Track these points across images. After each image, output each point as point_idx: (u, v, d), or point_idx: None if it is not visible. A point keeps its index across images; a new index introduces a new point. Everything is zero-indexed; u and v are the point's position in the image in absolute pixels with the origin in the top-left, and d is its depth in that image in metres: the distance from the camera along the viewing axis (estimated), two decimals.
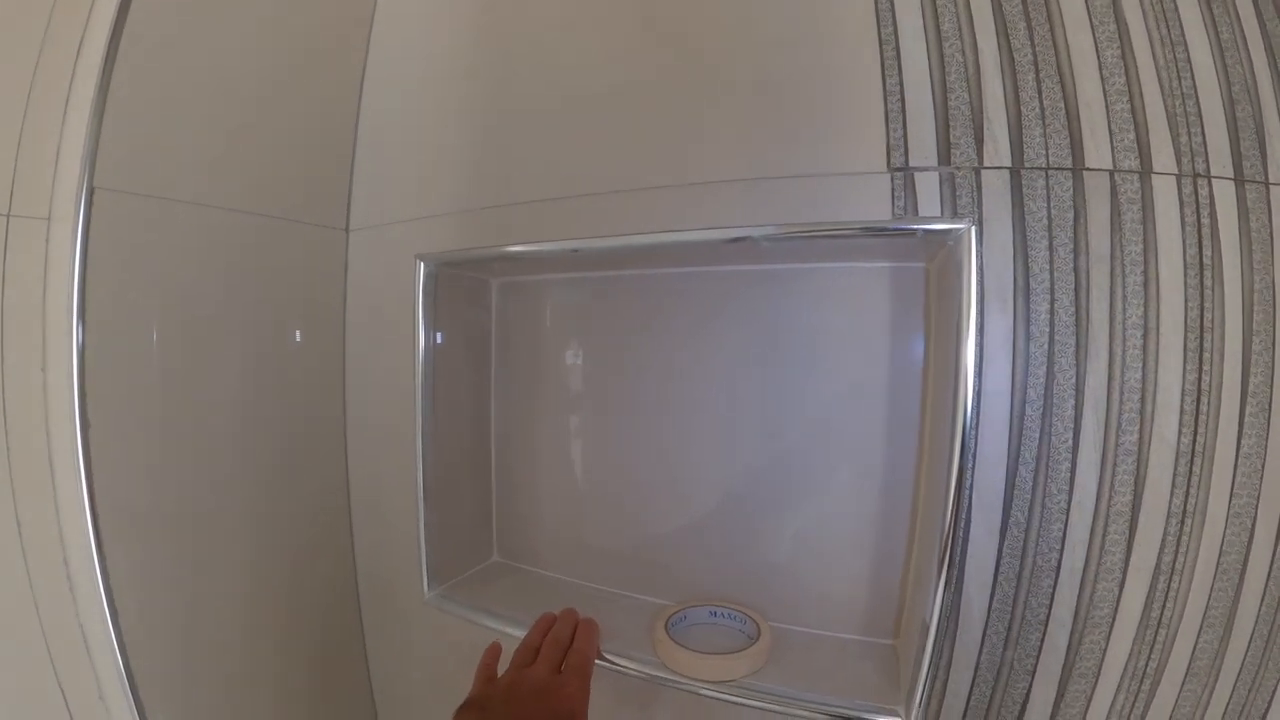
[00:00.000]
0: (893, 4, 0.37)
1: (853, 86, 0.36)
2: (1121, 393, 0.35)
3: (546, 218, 0.39)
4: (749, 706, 0.39)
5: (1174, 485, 0.36)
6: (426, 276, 0.38)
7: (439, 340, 0.39)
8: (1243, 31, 0.39)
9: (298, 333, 0.40)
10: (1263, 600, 0.38)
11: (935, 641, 0.36)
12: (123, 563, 0.35)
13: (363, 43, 0.43)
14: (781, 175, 0.36)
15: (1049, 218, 0.35)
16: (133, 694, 0.35)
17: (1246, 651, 0.39)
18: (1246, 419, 0.37)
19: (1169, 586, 0.37)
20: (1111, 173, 0.35)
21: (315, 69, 0.41)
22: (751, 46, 0.38)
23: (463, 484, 0.44)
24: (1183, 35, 0.38)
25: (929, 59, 0.36)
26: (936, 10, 0.37)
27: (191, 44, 0.37)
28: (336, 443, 0.42)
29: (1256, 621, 0.38)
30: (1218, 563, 0.37)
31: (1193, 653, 0.38)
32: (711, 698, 0.40)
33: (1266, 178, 0.37)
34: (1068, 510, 0.36)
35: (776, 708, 0.39)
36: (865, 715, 0.38)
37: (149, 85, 0.35)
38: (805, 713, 0.39)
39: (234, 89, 0.38)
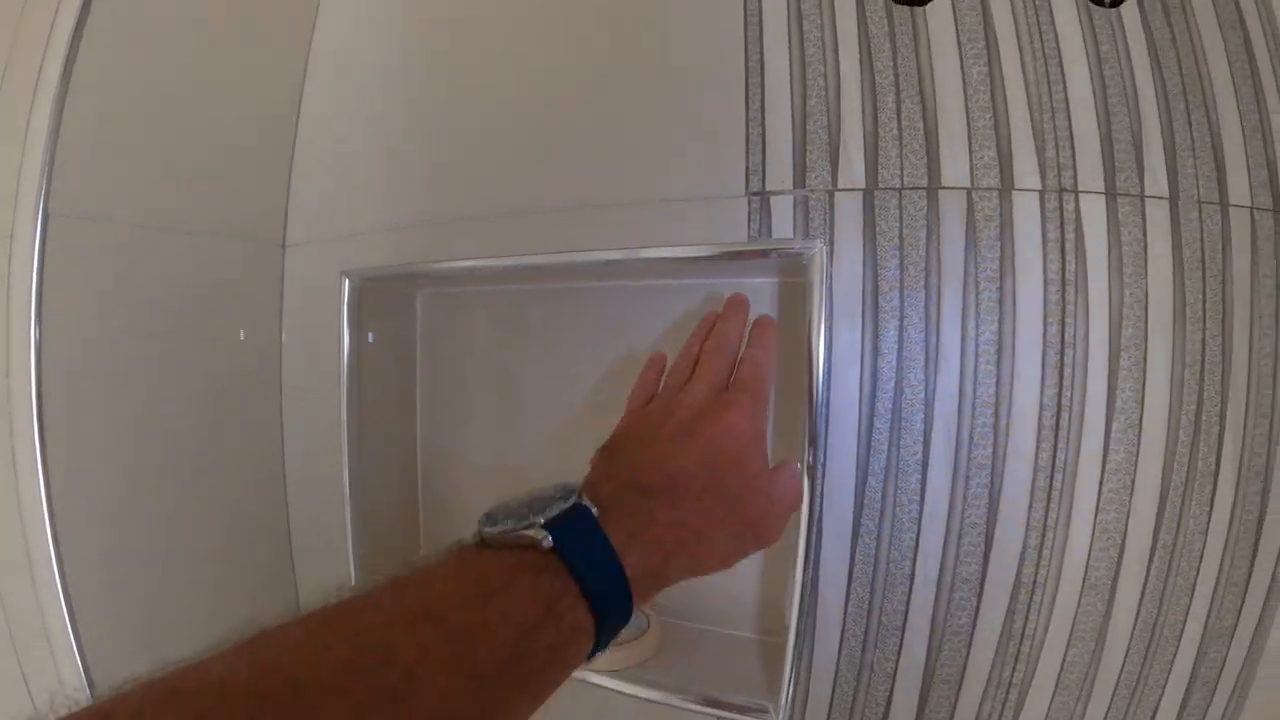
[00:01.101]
0: (761, 30, 0.38)
1: (719, 112, 0.38)
2: (974, 408, 0.36)
3: (462, 236, 0.42)
4: (630, 696, 0.42)
5: (1032, 499, 0.37)
6: (351, 291, 0.42)
7: (366, 347, 0.43)
8: (1125, 42, 0.39)
9: (241, 336, 0.44)
10: (1137, 616, 0.38)
11: (795, 641, 0.38)
12: (79, 552, 0.40)
13: (299, 72, 0.47)
14: (653, 200, 0.38)
15: (900, 237, 0.36)
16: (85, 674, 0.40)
17: (1122, 667, 0.39)
18: (1114, 435, 0.37)
19: (1031, 599, 0.37)
20: (968, 190, 0.36)
21: (254, 94, 0.45)
22: (635, 77, 0.40)
23: (389, 482, 0.48)
24: (1057, 48, 0.38)
25: (791, 84, 0.38)
26: (803, 36, 0.38)
27: (135, 75, 0.40)
28: (274, 445, 0.47)
29: (1132, 637, 0.39)
30: (1084, 577, 0.38)
31: (1062, 665, 0.39)
32: (598, 686, 0.43)
33: (1142, 190, 0.37)
34: (919, 521, 0.37)
35: (655, 696, 0.42)
36: (737, 708, 0.40)
37: (98, 117, 0.40)
38: (681, 703, 0.41)
39: (176, 117, 0.42)
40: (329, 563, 0.46)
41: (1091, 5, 0.39)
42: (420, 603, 0.21)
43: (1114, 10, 0.39)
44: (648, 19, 0.39)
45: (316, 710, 0.17)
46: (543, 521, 0.23)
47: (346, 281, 0.40)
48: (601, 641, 0.23)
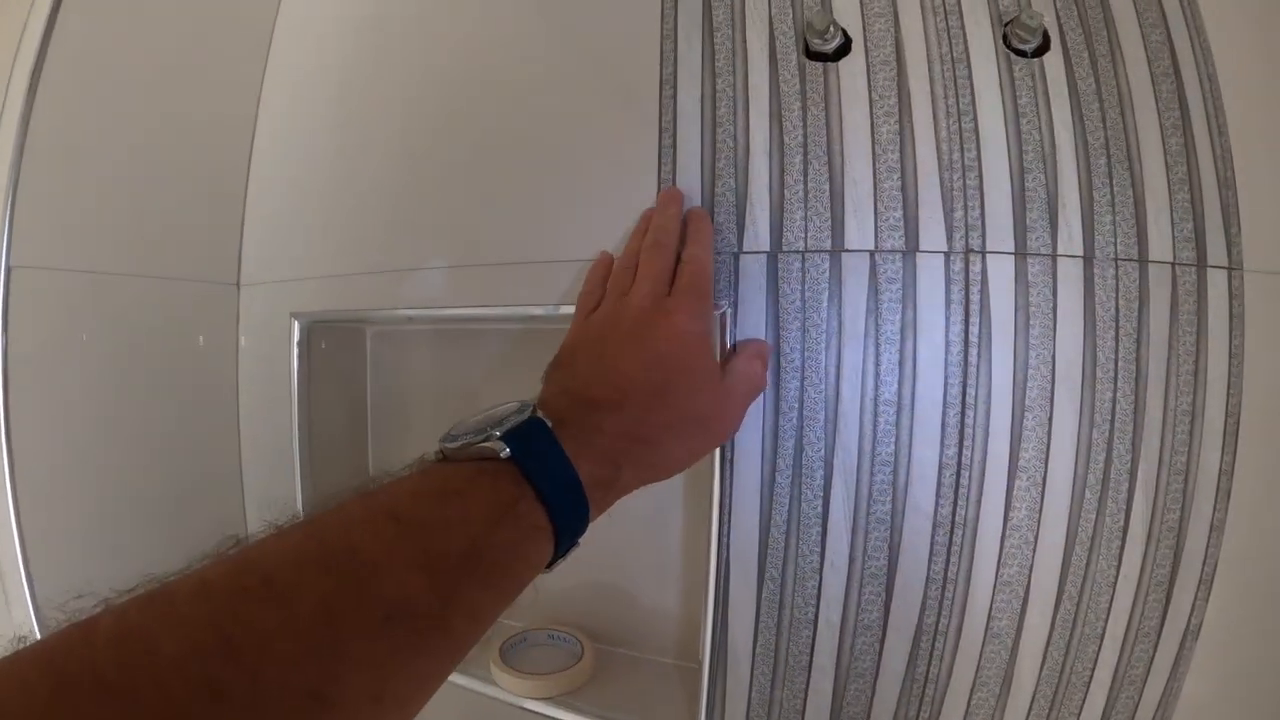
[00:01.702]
0: (675, 90, 0.39)
1: (635, 175, 0.39)
2: (873, 465, 0.37)
3: (404, 285, 0.44)
4: None
5: (932, 553, 0.38)
6: (301, 331, 0.44)
7: (318, 385, 0.46)
8: (1046, 93, 0.38)
9: (195, 375, 0.47)
10: (1043, 664, 0.39)
11: (710, 677, 0.41)
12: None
13: (250, 120, 0.49)
14: (575, 259, 0.39)
15: (803, 300, 0.37)
16: None
17: (1029, 712, 0.40)
18: (1015, 493, 0.37)
19: (933, 646, 0.39)
20: (872, 253, 0.37)
21: (206, 142, 0.48)
22: (557, 141, 0.41)
23: None
24: (973, 104, 0.38)
25: (702, 145, 0.38)
26: (715, 95, 0.39)
27: (89, 127, 0.43)
28: (234, 480, 0.50)
29: (1038, 683, 0.40)
30: (987, 627, 0.39)
31: (967, 709, 0.40)
32: (533, 712, 0.46)
33: (1054, 249, 0.37)
34: (821, 570, 0.38)
35: None
36: None
37: (57, 172, 0.42)
38: None
39: (130, 166, 0.44)
40: None
41: (1012, 56, 0.39)
42: (383, 505, 0.22)
43: (1036, 61, 0.39)
44: (570, 82, 0.41)
45: (288, 599, 0.19)
46: (499, 434, 0.24)
47: (296, 324, 0.43)
48: (561, 547, 0.25)
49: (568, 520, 0.25)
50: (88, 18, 0.41)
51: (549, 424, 0.26)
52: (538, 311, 0.38)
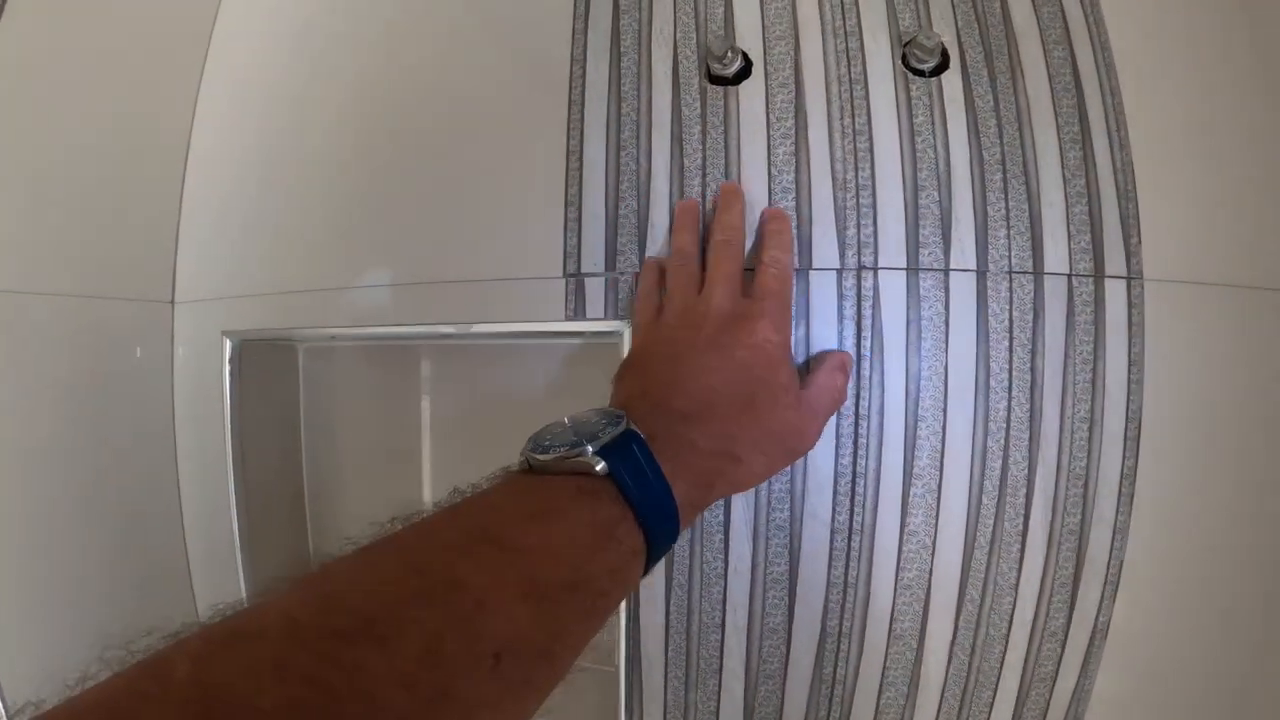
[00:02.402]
0: (583, 114, 0.41)
1: (543, 196, 0.41)
2: None
3: (330, 304, 0.45)
4: None
5: (831, 558, 0.39)
6: (233, 349, 0.46)
7: (250, 401, 0.48)
8: (944, 112, 0.39)
9: (132, 395, 0.47)
10: (949, 664, 0.41)
11: (626, 681, 0.42)
12: None
13: (184, 140, 0.50)
14: (487, 279, 0.41)
15: None
16: None
17: (939, 710, 0.41)
18: (911, 499, 0.39)
19: (838, 648, 0.40)
20: None
21: (140, 161, 0.48)
22: (465, 161, 0.43)
23: (279, 528, 0.53)
24: (869, 123, 0.39)
25: (606, 167, 0.40)
26: (620, 118, 0.40)
27: (17, 144, 0.42)
28: (172, 499, 0.51)
29: (945, 682, 0.41)
30: (890, 628, 0.40)
31: (877, 708, 0.41)
32: None
33: (946, 264, 0.38)
34: (725, 576, 0.40)
35: None
36: None
37: None
38: None
39: (60, 188, 0.44)
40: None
41: (910, 75, 0.40)
42: (480, 527, 0.20)
43: (933, 80, 0.40)
44: (484, 105, 0.42)
45: (391, 642, 0.16)
46: (595, 449, 0.23)
47: (228, 341, 0.45)
48: (648, 567, 0.24)
49: (661, 543, 0.24)
50: (15, 35, 0.41)
51: (644, 438, 0.24)
52: (448, 329, 0.40)
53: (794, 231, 0.35)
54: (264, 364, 0.47)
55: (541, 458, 0.23)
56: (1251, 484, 0.40)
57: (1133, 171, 0.40)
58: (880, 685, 0.41)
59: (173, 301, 0.47)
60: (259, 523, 0.46)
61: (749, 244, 0.36)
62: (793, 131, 0.39)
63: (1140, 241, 0.39)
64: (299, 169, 0.46)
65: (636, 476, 0.23)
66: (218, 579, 0.47)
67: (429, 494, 0.53)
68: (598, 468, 0.23)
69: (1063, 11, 0.41)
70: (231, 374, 0.44)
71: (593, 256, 0.39)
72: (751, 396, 0.28)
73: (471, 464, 0.52)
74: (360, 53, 0.46)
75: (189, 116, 0.49)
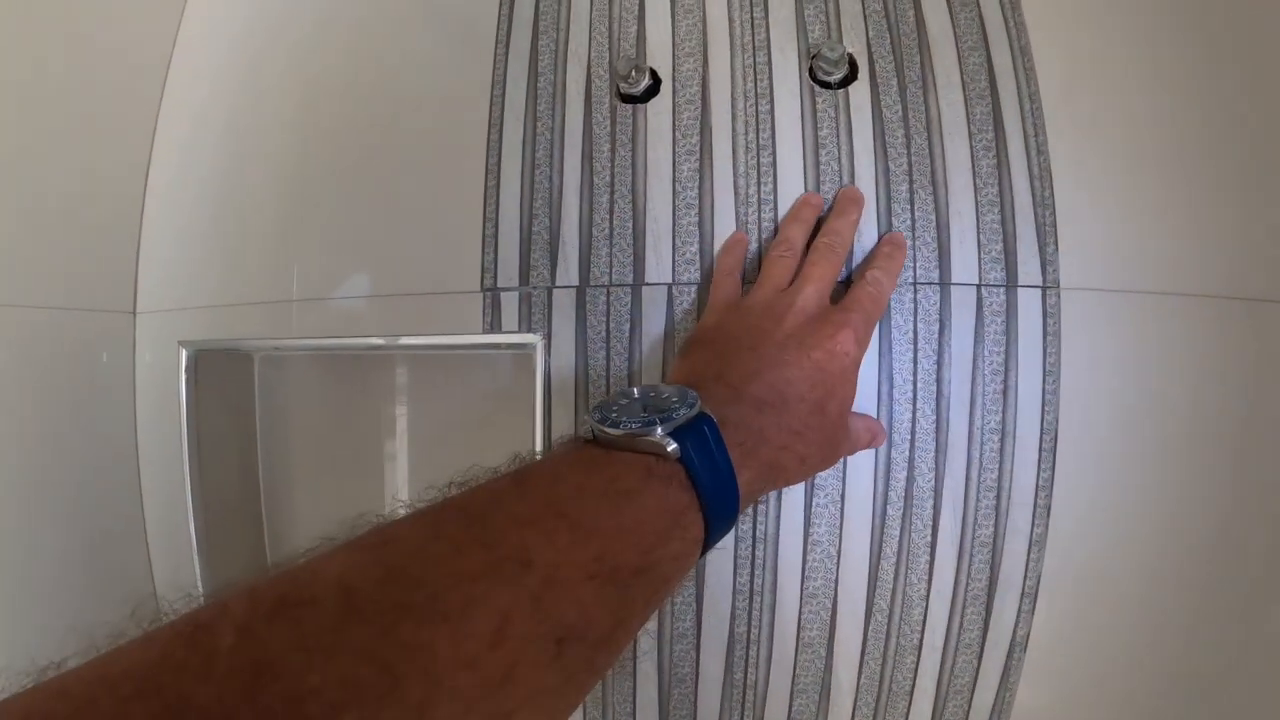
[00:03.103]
0: (501, 133, 0.42)
1: (464, 212, 0.42)
2: None
3: (279, 317, 0.48)
4: None
5: (736, 566, 0.40)
6: (189, 359, 0.50)
7: (206, 410, 0.51)
8: (850, 124, 0.39)
9: (95, 403, 0.50)
10: (859, 673, 0.41)
11: None
12: None
13: (144, 158, 0.53)
14: (416, 292, 0.43)
15: (607, 330, 0.40)
16: None
17: (853, 714, 0.42)
18: (814, 509, 0.39)
19: (747, 654, 0.41)
20: (669, 285, 0.39)
21: (101, 172, 0.50)
22: (399, 179, 0.45)
23: (236, 534, 0.55)
24: (772, 138, 0.40)
25: (521, 185, 0.42)
26: (535, 137, 0.42)
27: None
28: (135, 505, 0.52)
29: (858, 691, 0.41)
30: (798, 636, 0.41)
31: (789, 714, 0.42)
32: None
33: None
34: None
35: None
36: None
37: None
38: None
39: (22, 202, 0.46)
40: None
41: (817, 89, 0.40)
42: (548, 499, 0.20)
43: (841, 92, 0.40)
44: (412, 122, 0.44)
45: (456, 620, 0.15)
46: (667, 430, 0.22)
47: (184, 351, 0.48)
48: (702, 556, 0.23)
49: (718, 532, 0.23)
50: None
51: (717, 424, 0.23)
52: (378, 341, 0.42)
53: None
54: (221, 372, 0.50)
55: (611, 432, 0.22)
56: (1171, 494, 0.39)
57: (1051, 178, 0.39)
58: (791, 692, 0.42)
59: (134, 312, 0.50)
60: (217, 527, 0.49)
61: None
62: (697, 148, 0.40)
63: (1057, 249, 0.39)
64: (253, 186, 0.49)
65: (707, 464, 0.22)
66: (180, 580, 0.50)
67: (386, 495, 0.56)
68: (669, 449, 0.22)
69: (980, 16, 0.41)
70: (188, 382, 0.47)
71: (508, 271, 0.41)
72: (824, 401, 0.28)
73: (431, 466, 0.54)
74: (305, 81, 0.48)
75: (150, 133, 0.52)
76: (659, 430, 0.22)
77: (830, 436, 0.29)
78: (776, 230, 0.38)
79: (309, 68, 0.48)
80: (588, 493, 0.21)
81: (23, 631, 0.46)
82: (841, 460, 0.37)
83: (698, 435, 0.23)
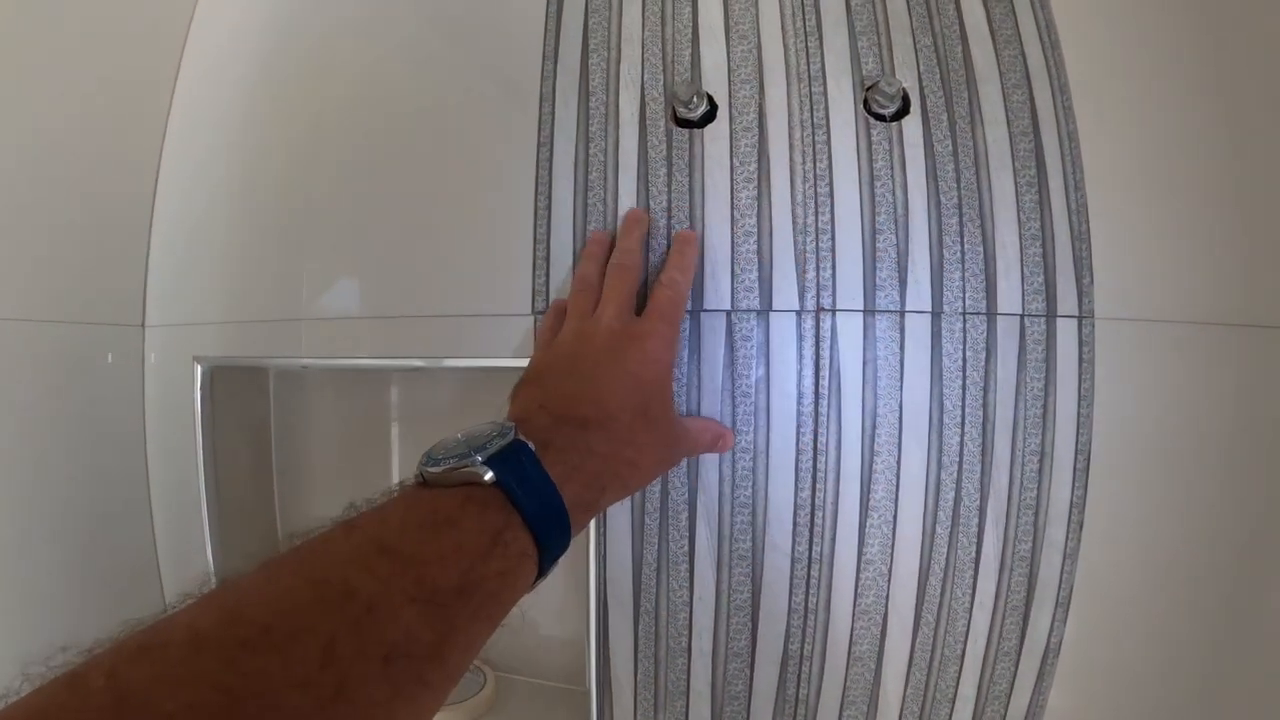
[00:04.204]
0: (551, 153, 0.42)
1: (513, 236, 0.42)
2: (732, 507, 0.40)
3: (302, 334, 0.46)
4: None
5: (792, 585, 0.41)
6: (203, 374, 0.47)
7: (221, 425, 0.49)
8: (903, 157, 0.40)
9: (103, 416, 0.48)
10: (906, 684, 0.43)
11: (597, 705, 0.44)
12: None
13: (154, 169, 0.51)
14: (460, 315, 0.43)
15: None
16: None
17: None
18: (868, 529, 0.40)
19: (800, 670, 0.42)
20: (729, 313, 0.39)
21: (109, 184, 0.48)
22: (436, 197, 0.44)
23: (251, 555, 0.54)
24: (829, 168, 0.40)
25: (574, 207, 0.41)
26: (588, 159, 0.41)
27: None
28: (145, 529, 0.51)
29: (904, 702, 0.43)
30: (849, 651, 0.42)
31: None
32: None
33: (902, 306, 0.40)
34: (690, 603, 0.42)
35: None
36: None
37: None
38: None
39: (33, 216, 0.44)
40: None
41: (871, 121, 0.41)
42: (373, 538, 0.22)
43: (894, 125, 0.41)
44: (453, 143, 0.43)
45: (287, 649, 0.18)
46: (482, 459, 0.24)
47: (199, 366, 0.46)
48: (544, 569, 0.25)
49: (552, 545, 0.25)
50: None
51: (532, 447, 0.26)
52: (419, 364, 0.41)
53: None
54: (235, 387, 0.48)
55: (433, 470, 0.25)
56: (1196, 509, 0.42)
57: (1087, 213, 0.41)
58: (841, 705, 0.43)
59: (143, 325, 0.48)
60: (232, 546, 0.47)
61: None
62: (755, 175, 0.40)
63: (1092, 281, 0.41)
64: (271, 198, 0.47)
65: (523, 483, 0.24)
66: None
67: None
68: (486, 477, 0.24)
69: (1023, 54, 0.43)
70: (203, 399, 0.45)
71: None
72: (646, 404, 0.30)
73: None
74: (333, 86, 0.47)
75: (159, 141, 0.50)
76: (477, 460, 0.24)
77: (661, 438, 0.31)
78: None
79: (341, 72, 0.46)
80: (408, 526, 0.23)
81: (24, 646, 0.44)
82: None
83: (513, 460, 0.25)
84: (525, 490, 0.24)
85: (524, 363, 0.41)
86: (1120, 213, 0.41)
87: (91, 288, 0.47)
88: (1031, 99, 0.42)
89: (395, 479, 0.55)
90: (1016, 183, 0.41)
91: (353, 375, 0.53)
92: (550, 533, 0.25)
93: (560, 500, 0.25)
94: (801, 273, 0.39)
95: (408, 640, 0.20)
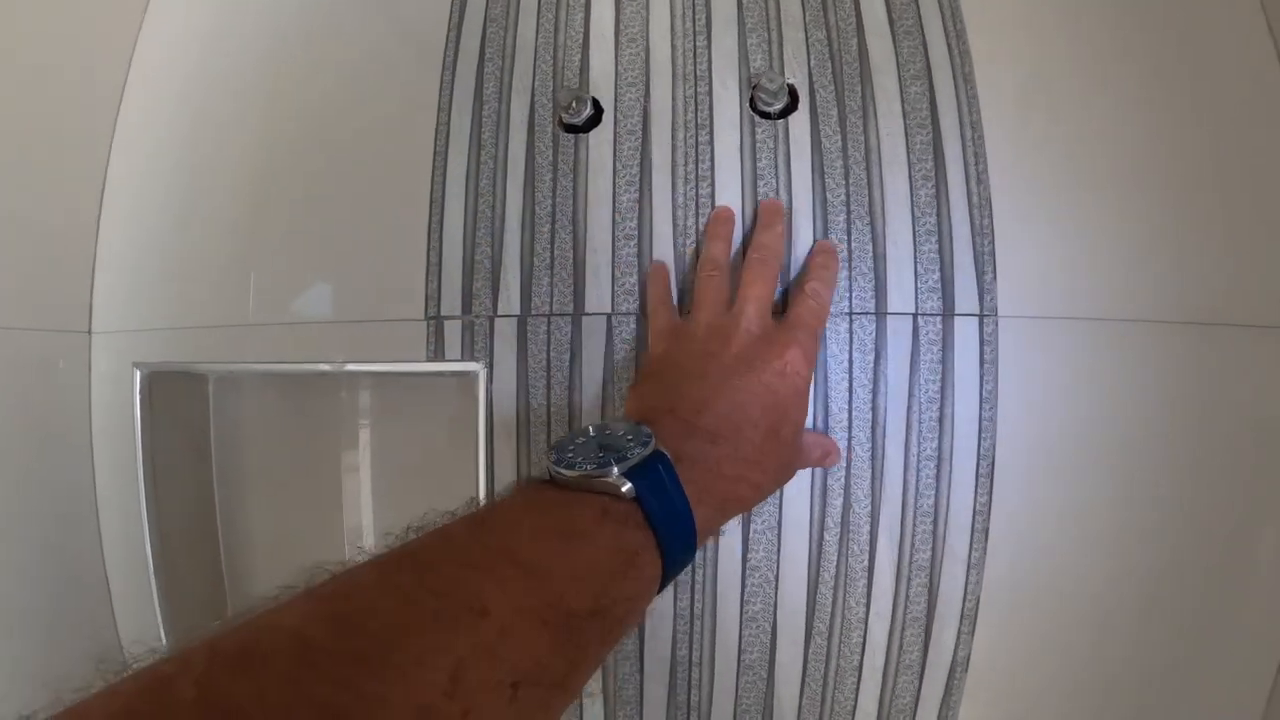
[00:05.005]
0: (445, 161, 0.43)
1: (409, 243, 0.43)
2: None
3: (233, 341, 0.48)
4: None
5: (676, 590, 0.41)
6: (142, 380, 0.50)
7: (161, 431, 0.51)
8: (788, 154, 0.40)
9: (49, 425, 0.50)
10: (801, 694, 0.42)
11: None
12: None
13: (100, 177, 0.53)
14: (362, 319, 0.44)
15: (548, 359, 0.40)
16: None
17: None
18: (752, 535, 0.40)
19: (690, 676, 0.42)
20: (608, 315, 0.39)
21: (55, 190, 0.50)
22: (344, 204, 0.45)
23: (192, 554, 0.55)
24: (711, 168, 0.40)
25: (465, 214, 0.42)
26: (479, 166, 0.42)
27: None
28: (93, 537, 0.51)
29: (800, 712, 0.42)
30: (739, 659, 0.41)
31: None
32: None
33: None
34: None
35: None
36: None
37: None
38: None
39: None
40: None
41: (757, 119, 0.40)
42: (502, 545, 0.20)
43: (780, 122, 0.40)
44: (355, 150, 0.45)
45: (412, 671, 0.16)
46: (621, 470, 0.22)
47: (138, 372, 0.49)
48: (659, 592, 0.24)
49: (675, 569, 0.23)
50: None
51: (670, 459, 0.24)
52: (324, 367, 0.42)
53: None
54: (176, 393, 0.51)
55: (567, 473, 0.23)
56: (1106, 515, 0.40)
57: (991, 207, 0.40)
58: (734, 713, 0.43)
59: (89, 332, 0.50)
60: (174, 553, 0.50)
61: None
62: (637, 179, 0.40)
63: (995, 278, 0.39)
64: (209, 209, 0.50)
65: (663, 503, 0.23)
66: (136, 607, 0.50)
67: (344, 517, 0.56)
68: (623, 489, 0.22)
69: (924, 44, 0.41)
70: (141, 403, 0.48)
71: (451, 300, 0.41)
72: (778, 425, 0.28)
73: (388, 490, 0.55)
74: (260, 105, 0.49)
75: (106, 149, 0.52)
76: (615, 471, 0.22)
77: (785, 460, 0.29)
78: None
79: (263, 92, 0.48)
80: (541, 535, 0.21)
81: None
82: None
83: (653, 474, 0.23)
84: (665, 513, 0.22)
85: (414, 368, 0.43)
86: (1027, 206, 0.40)
87: (38, 293, 0.50)
88: (931, 90, 0.40)
89: (340, 485, 0.56)
90: (911, 176, 0.40)
91: (288, 381, 0.55)
92: (677, 558, 0.23)
93: (694, 526, 0.23)
94: (680, 274, 0.39)
95: (539, 669, 0.18)
